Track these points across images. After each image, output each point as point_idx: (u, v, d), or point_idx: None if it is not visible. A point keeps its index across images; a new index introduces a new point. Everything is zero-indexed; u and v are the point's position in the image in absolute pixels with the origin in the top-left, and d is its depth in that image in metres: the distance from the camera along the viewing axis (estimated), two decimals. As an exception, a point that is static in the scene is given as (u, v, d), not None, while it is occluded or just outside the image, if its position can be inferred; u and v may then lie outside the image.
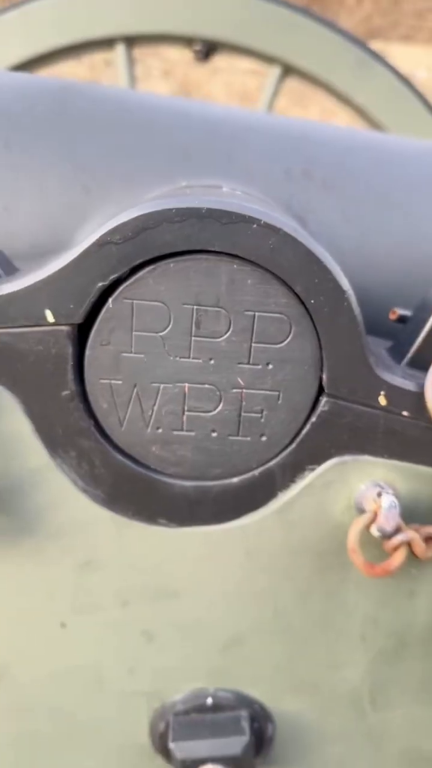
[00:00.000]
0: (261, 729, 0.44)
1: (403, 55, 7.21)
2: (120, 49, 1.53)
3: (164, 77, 5.49)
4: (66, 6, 1.48)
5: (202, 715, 0.43)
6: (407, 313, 0.40)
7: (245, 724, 0.42)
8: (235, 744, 0.41)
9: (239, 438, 0.36)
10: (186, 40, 1.55)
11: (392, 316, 0.41)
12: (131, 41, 1.54)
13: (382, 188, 0.47)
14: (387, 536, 0.34)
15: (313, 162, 0.46)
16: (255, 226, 0.31)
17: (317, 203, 0.45)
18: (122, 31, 1.50)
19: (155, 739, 0.44)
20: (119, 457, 0.36)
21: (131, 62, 1.58)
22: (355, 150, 0.49)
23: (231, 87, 5.34)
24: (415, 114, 1.54)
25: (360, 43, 1.53)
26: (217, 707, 0.43)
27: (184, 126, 0.47)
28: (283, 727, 0.45)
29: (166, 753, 0.44)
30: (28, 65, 1.52)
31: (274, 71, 1.55)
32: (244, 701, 0.43)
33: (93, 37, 1.51)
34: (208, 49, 1.56)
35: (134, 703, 0.43)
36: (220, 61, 1.74)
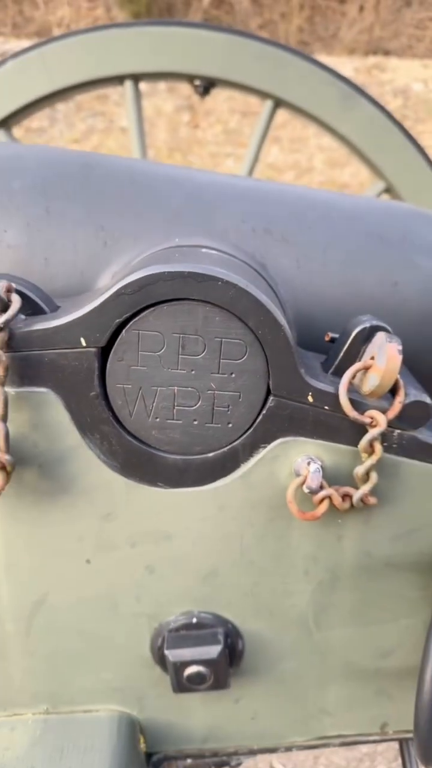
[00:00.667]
0: (233, 643, 0.59)
1: (400, 69, 7.35)
2: (128, 85, 1.70)
3: (169, 93, 5.67)
4: (82, 48, 1.64)
5: (188, 631, 0.58)
6: (336, 336, 0.55)
7: (221, 638, 0.57)
8: (213, 651, 0.57)
9: (213, 425, 0.51)
10: (187, 77, 1.72)
11: (327, 338, 0.56)
12: (137, 77, 1.70)
13: (326, 240, 0.63)
14: (313, 492, 0.50)
15: (272, 222, 0.62)
16: (220, 283, 0.47)
17: (276, 254, 0.61)
18: (130, 69, 1.67)
19: (154, 652, 0.59)
20: (129, 438, 0.51)
21: (138, 95, 1.74)
22: (307, 209, 0.65)
23: (234, 102, 5.52)
24: (393, 140, 1.69)
25: (344, 79, 1.69)
26: (200, 625, 0.58)
27: (176, 193, 0.63)
28: (250, 644, 0.60)
29: (162, 662, 0.59)
30: (49, 97, 1.69)
31: (267, 104, 1.71)
32: (220, 621, 0.58)
33: (105, 75, 1.67)
34: (207, 85, 1.72)
35: (139, 623, 0.59)
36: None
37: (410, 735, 0.67)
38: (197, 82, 1.72)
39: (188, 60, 1.65)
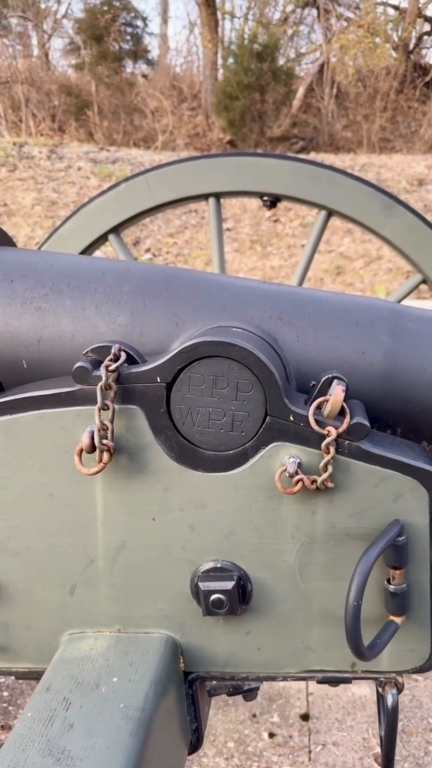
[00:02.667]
0: (244, 584, 0.88)
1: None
2: (211, 201, 2.17)
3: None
4: (177, 174, 2.14)
5: (214, 573, 0.88)
6: (315, 383, 0.87)
7: (235, 578, 0.87)
8: (229, 585, 0.86)
9: (233, 432, 0.84)
10: (258, 194, 2.16)
11: (311, 385, 0.88)
12: (218, 195, 2.17)
13: (318, 324, 0.96)
14: (291, 476, 0.80)
15: (283, 312, 0.96)
16: (237, 347, 0.81)
17: (284, 332, 0.95)
18: (213, 189, 2.14)
19: (192, 587, 0.89)
20: (182, 439, 0.85)
21: (219, 209, 2.20)
22: (307, 304, 0.98)
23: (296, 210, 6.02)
24: (427, 241, 2.02)
25: (384, 192, 2.07)
26: (222, 569, 0.88)
27: (222, 293, 0.99)
28: (257, 588, 0.89)
29: (197, 595, 0.89)
30: (151, 210, 2.19)
31: (322, 214, 2.11)
32: (235, 567, 0.88)
33: (194, 194, 2.15)
34: (273, 200, 2.16)
35: (183, 566, 0.89)
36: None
37: (372, 675, 0.91)
38: (265, 198, 2.16)
39: (258, 182, 2.10)
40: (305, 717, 2.28)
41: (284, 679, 0.93)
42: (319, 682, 0.94)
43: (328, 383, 0.83)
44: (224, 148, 14.25)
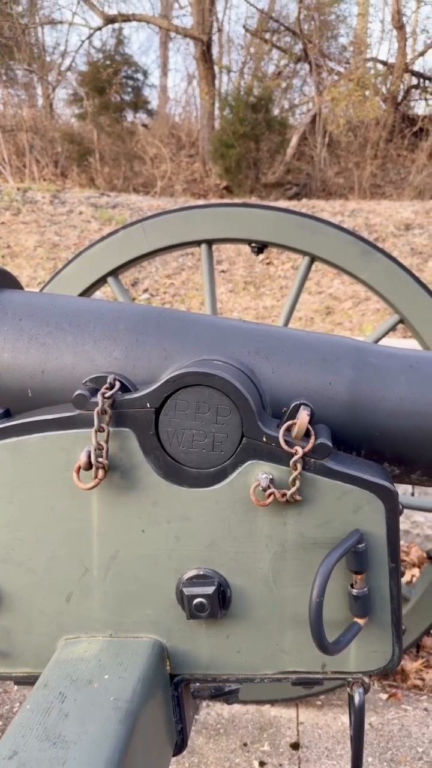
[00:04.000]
0: (224, 591, 0.98)
1: None
2: (203, 247, 2.33)
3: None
4: (171, 223, 2.30)
5: (197, 579, 0.98)
6: (286, 408, 0.99)
7: (215, 584, 0.97)
8: (210, 590, 0.96)
9: (213, 452, 0.95)
10: (246, 241, 2.33)
11: (282, 411, 1.00)
12: (210, 242, 2.33)
13: (290, 358, 1.09)
14: (264, 490, 0.91)
15: (260, 347, 1.09)
16: (217, 377, 0.93)
17: (260, 365, 1.08)
18: (205, 237, 2.30)
19: (177, 594, 0.99)
20: (169, 458, 0.96)
21: (211, 254, 2.36)
22: (281, 340, 1.11)
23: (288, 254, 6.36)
24: (403, 284, 2.18)
25: (363, 239, 2.23)
26: (204, 576, 0.98)
27: (208, 331, 1.13)
28: (235, 594, 0.99)
29: (181, 600, 0.98)
30: (146, 255, 2.35)
31: (305, 259, 2.27)
32: (216, 574, 0.98)
33: (187, 241, 2.32)
34: (261, 246, 2.32)
35: (170, 574, 0.99)
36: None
37: (341, 676, 1.00)
38: (253, 245, 2.32)
39: (246, 230, 2.27)
40: (295, 746, 2.31)
41: (261, 680, 1.02)
42: (294, 683, 1.02)
43: (297, 409, 0.95)
44: (221, 194, 14.78)
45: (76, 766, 0.77)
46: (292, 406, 0.96)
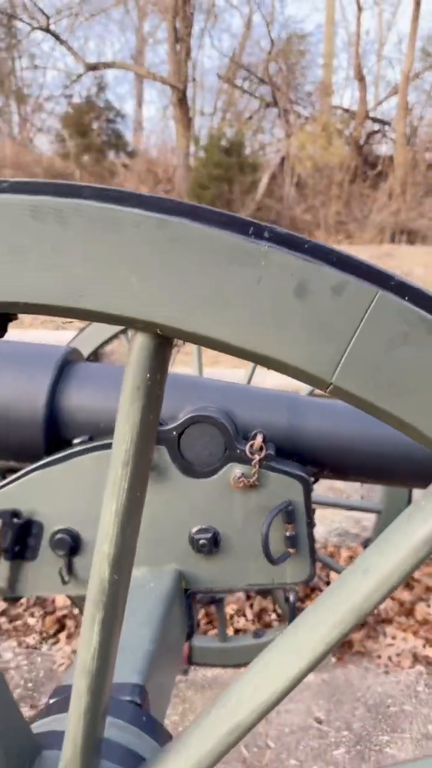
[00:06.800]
0: (216, 537, 1.73)
1: (406, 257, 9.11)
2: None
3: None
4: None
5: (202, 531, 1.73)
6: (250, 434, 1.76)
7: (212, 533, 1.72)
8: (208, 535, 1.72)
9: (210, 458, 1.72)
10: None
11: (250, 434, 1.77)
12: None
13: (257, 407, 1.87)
14: (238, 479, 1.68)
15: (234, 398, 1.87)
16: (213, 417, 1.70)
17: (234, 409, 1.86)
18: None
19: (189, 539, 1.74)
20: (185, 461, 1.72)
21: None
22: (251, 396, 1.89)
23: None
24: None
25: None
26: (205, 530, 1.73)
27: (195, 389, 1.90)
28: (222, 539, 1.74)
29: (191, 542, 1.73)
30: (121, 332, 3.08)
31: None
32: (212, 528, 1.73)
33: None
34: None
35: (185, 528, 1.74)
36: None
37: (283, 585, 1.76)
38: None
39: None
40: None
41: (240, 589, 1.77)
42: (256, 592, 1.78)
43: (255, 434, 1.73)
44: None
45: (135, 629, 1.52)
46: (252, 433, 1.73)
